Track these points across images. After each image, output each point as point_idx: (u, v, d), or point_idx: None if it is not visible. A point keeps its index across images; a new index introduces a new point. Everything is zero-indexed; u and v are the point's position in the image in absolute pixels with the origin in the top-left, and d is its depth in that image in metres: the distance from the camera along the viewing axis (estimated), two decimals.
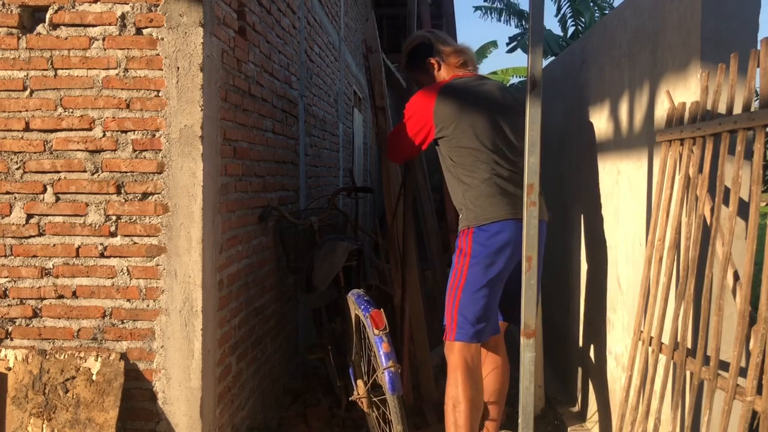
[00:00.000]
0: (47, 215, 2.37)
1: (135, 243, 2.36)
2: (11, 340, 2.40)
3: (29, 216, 2.38)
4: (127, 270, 2.37)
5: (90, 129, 2.35)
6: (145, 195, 2.35)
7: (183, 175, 2.33)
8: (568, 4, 15.49)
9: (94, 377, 2.33)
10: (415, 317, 3.45)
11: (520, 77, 18.53)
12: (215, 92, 2.44)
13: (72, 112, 2.35)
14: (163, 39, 2.31)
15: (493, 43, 19.59)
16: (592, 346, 3.19)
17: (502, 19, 16.88)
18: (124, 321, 2.38)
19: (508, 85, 19.41)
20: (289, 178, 3.71)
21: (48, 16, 2.33)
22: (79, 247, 2.37)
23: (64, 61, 2.33)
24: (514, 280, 2.69)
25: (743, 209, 1.92)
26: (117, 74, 2.32)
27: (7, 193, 2.37)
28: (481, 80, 2.81)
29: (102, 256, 2.37)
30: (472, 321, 2.59)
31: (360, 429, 3.19)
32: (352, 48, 7.16)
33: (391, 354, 2.53)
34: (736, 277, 1.87)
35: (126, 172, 2.35)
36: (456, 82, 2.75)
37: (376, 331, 2.57)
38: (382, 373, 2.52)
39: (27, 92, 2.35)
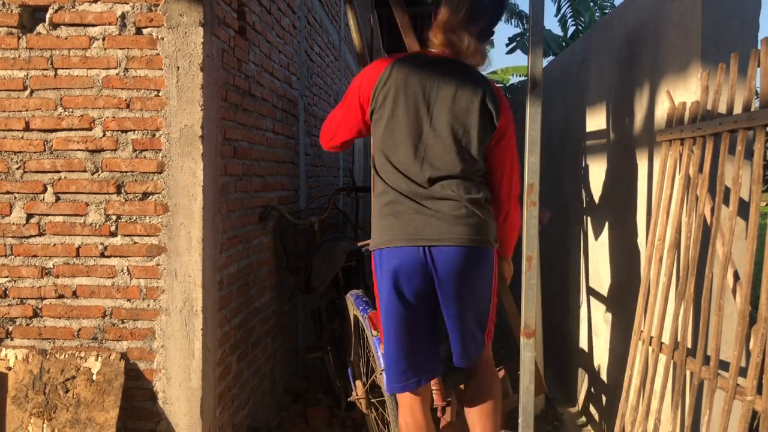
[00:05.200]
0: (47, 215, 2.37)
1: (135, 243, 2.36)
2: (11, 339, 2.40)
3: (29, 216, 2.38)
4: (128, 270, 2.37)
5: (90, 129, 2.35)
6: (145, 195, 2.35)
7: (183, 174, 2.33)
8: (568, 4, 15.46)
9: (94, 377, 2.33)
10: None
11: (520, 77, 18.52)
12: (215, 92, 2.44)
13: (72, 112, 2.35)
14: (163, 39, 2.31)
15: (490, 42, 19.57)
16: (592, 346, 3.19)
17: (503, 18, 16.87)
18: (125, 321, 2.38)
19: (507, 85, 19.39)
20: (289, 177, 3.71)
21: (48, 15, 2.33)
22: (80, 246, 2.37)
23: (64, 61, 2.33)
24: (448, 314, 2.13)
25: (743, 209, 1.92)
26: (117, 74, 2.32)
27: (8, 192, 2.37)
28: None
29: (102, 255, 2.37)
30: (395, 362, 2.14)
31: (360, 429, 3.19)
32: (352, 48, 7.16)
33: None
34: (736, 276, 1.87)
35: (126, 172, 2.35)
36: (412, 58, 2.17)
37: (375, 332, 2.56)
38: (381, 374, 2.52)
39: (27, 92, 2.35)
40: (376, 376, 2.67)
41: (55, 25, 2.33)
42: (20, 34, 2.34)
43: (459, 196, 2.02)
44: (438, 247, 2.00)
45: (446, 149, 2.03)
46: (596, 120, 3.13)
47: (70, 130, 2.35)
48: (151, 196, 2.35)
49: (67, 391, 2.32)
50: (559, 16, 15.76)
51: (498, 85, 19.80)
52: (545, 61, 3.93)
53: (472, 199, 2.03)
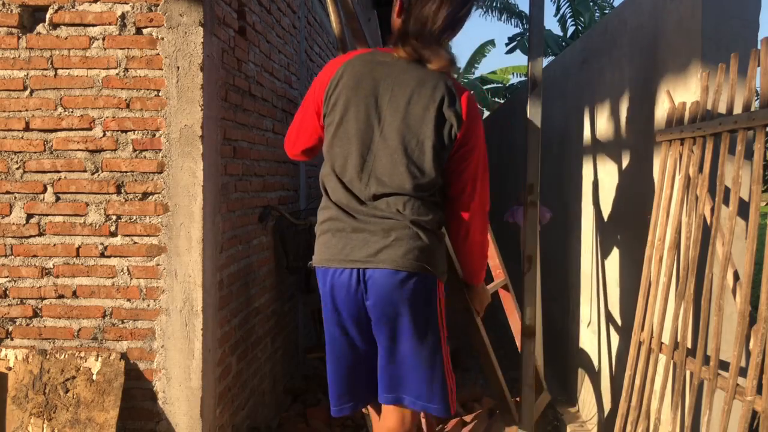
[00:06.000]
0: (47, 215, 2.37)
1: (135, 243, 2.36)
2: (11, 339, 2.40)
3: (29, 216, 2.38)
4: (128, 270, 2.37)
5: (90, 129, 2.35)
6: (145, 195, 2.35)
7: (183, 174, 2.33)
8: (568, 4, 15.46)
9: (94, 377, 2.33)
10: None
11: (520, 76, 18.52)
12: (215, 92, 2.44)
13: (72, 112, 2.35)
14: (163, 39, 2.31)
15: (491, 42, 19.54)
16: (592, 346, 3.19)
17: (503, 18, 16.87)
18: (125, 321, 2.38)
19: (507, 85, 19.39)
20: (289, 177, 3.71)
21: (48, 15, 2.33)
22: (80, 246, 2.37)
23: (64, 61, 2.33)
24: (378, 341, 1.90)
25: (743, 209, 1.92)
26: (117, 74, 2.32)
27: (7, 192, 2.37)
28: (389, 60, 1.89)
29: (102, 255, 2.37)
30: (331, 384, 2.01)
31: (360, 429, 3.19)
32: (352, 47, 7.16)
33: None
34: (736, 276, 1.87)
35: (126, 172, 2.35)
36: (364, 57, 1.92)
37: None
38: None
39: (27, 92, 2.35)
40: None
41: (55, 25, 2.33)
42: (20, 34, 2.34)
43: (403, 216, 1.79)
44: (370, 269, 1.78)
45: (395, 163, 1.79)
46: (596, 120, 3.13)
47: (70, 130, 2.35)
48: (151, 196, 2.35)
49: (67, 391, 2.32)
50: (559, 16, 15.77)
51: (494, 85, 19.30)
52: (545, 61, 3.93)
53: (418, 221, 1.79)
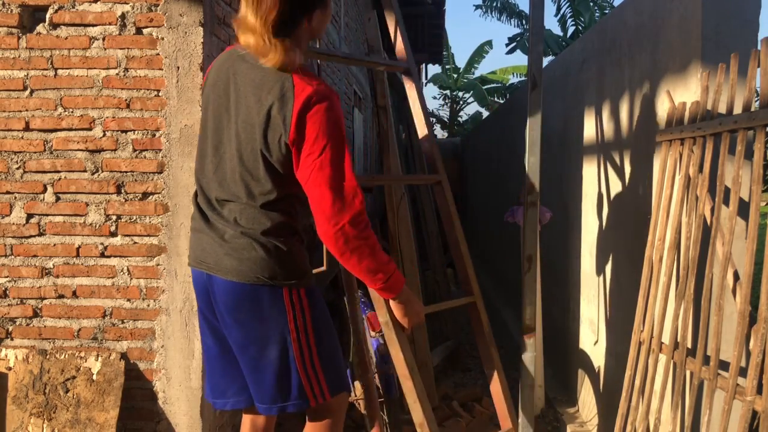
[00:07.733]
0: (47, 215, 2.37)
1: (135, 243, 2.36)
2: (12, 339, 2.40)
3: (29, 216, 2.38)
4: (128, 270, 2.37)
5: (90, 129, 2.35)
6: (145, 195, 2.35)
7: (183, 174, 2.33)
8: (568, 4, 15.48)
9: (94, 377, 2.33)
10: None
11: (520, 77, 18.53)
12: None
13: (72, 112, 2.35)
14: (163, 38, 2.31)
15: (488, 43, 19.55)
16: (592, 346, 3.20)
17: (503, 18, 16.89)
18: (125, 321, 2.38)
19: (507, 85, 19.39)
20: None
21: (48, 15, 2.33)
22: (80, 246, 2.38)
23: (64, 61, 2.33)
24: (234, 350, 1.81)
25: (743, 209, 1.92)
26: (117, 74, 2.32)
27: (8, 192, 2.37)
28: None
29: (102, 255, 2.37)
30: (206, 379, 1.95)
31: (360, 429, 3.19)
32: (352, 47, 7.16)
33: (387, 356, 2.52)
34: (736, 276, 1.87)
35: (126, 172, 2.35)
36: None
37: (373, 333, 2.56)
38: (378, 374, 2.51)
39: (27, 92, 2.35)
40: (375, 377, 2.67)
41: (55, 25, 2.33)
42: (20, 34, 2.34)
43: (238, 226, 1.70)
44: (213, 276, 1.73)
45: (233, 169, 1.70)
46: (596, 120, 3.13)
47: (70, 130, 2.35)
48: (151, 196, 2.35)
49: (67, 391, 2.32)
50: (559, 16, 15.79)
51: (494, 85, 19.23)
52: (545, 61, 3.93)
53: (251, 232, 1.69)
